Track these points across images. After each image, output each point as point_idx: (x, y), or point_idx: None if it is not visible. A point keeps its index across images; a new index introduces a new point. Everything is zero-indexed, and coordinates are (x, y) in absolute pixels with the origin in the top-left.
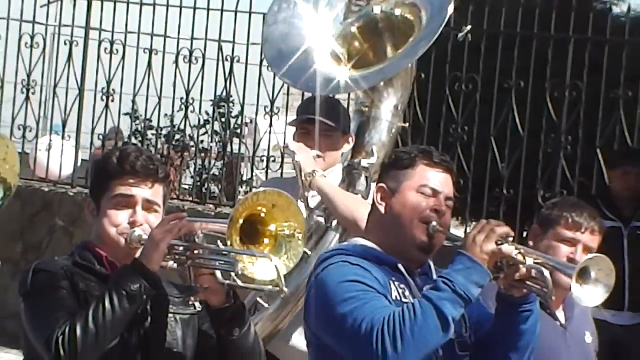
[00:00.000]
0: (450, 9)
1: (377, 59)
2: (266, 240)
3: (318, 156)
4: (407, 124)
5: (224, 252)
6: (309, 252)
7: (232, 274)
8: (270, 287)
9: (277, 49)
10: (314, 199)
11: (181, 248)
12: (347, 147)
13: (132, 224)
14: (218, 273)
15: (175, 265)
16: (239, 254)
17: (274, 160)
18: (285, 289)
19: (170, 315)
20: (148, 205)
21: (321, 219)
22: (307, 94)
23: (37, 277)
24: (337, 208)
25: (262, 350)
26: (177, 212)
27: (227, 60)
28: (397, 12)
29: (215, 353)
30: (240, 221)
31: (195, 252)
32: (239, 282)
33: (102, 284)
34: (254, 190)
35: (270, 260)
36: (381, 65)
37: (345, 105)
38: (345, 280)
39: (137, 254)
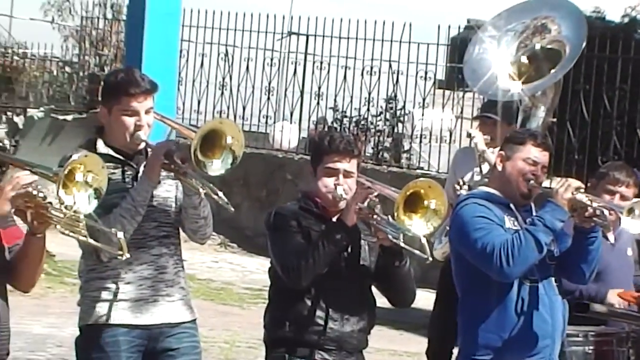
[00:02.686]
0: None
1: (538, 76)
2: (420, 210)
3: (491, 139)
4: (555, 119)
5: (393, 224)
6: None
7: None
8: (419, 252)
9: (471, 70)
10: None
11: (366, 212)
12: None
13: (336, 185)
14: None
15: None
16: (401, 229)
17: (425, 137)
18: (430, 258)
19: (362, 242)
20: (346, 174)
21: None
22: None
23: (276, 217)
24: None
25: (412, 276)
26: (366, 189)
27: (394, 73)
28: (551, 46)
29: (384, 272)
30: (408, 193)
31: (375, 217)
32: (401, 243)
33: (318, 220)
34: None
35: (422, 238)
36: (541, 80)
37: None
38: (476, 215)
39: (341, 205)
